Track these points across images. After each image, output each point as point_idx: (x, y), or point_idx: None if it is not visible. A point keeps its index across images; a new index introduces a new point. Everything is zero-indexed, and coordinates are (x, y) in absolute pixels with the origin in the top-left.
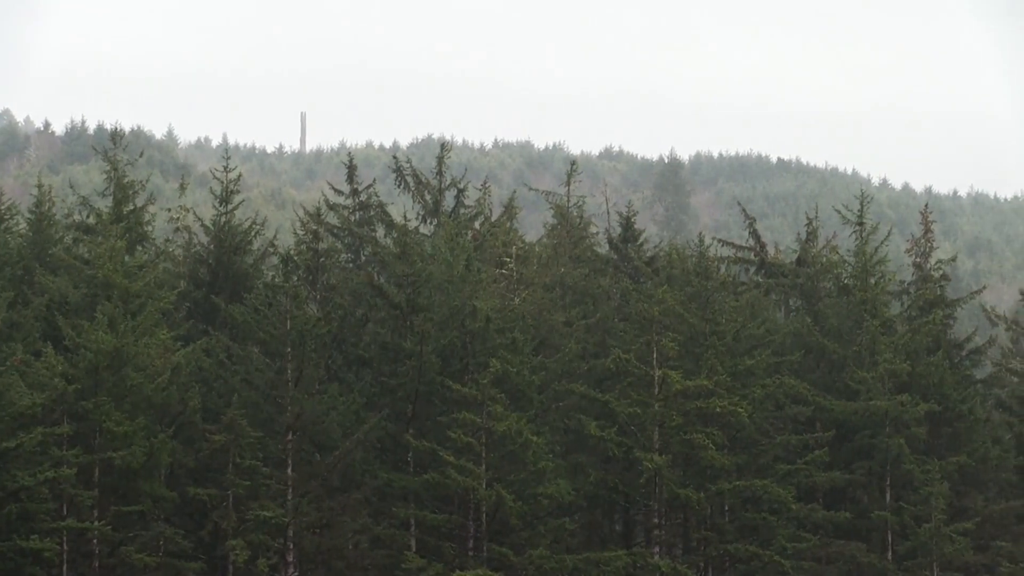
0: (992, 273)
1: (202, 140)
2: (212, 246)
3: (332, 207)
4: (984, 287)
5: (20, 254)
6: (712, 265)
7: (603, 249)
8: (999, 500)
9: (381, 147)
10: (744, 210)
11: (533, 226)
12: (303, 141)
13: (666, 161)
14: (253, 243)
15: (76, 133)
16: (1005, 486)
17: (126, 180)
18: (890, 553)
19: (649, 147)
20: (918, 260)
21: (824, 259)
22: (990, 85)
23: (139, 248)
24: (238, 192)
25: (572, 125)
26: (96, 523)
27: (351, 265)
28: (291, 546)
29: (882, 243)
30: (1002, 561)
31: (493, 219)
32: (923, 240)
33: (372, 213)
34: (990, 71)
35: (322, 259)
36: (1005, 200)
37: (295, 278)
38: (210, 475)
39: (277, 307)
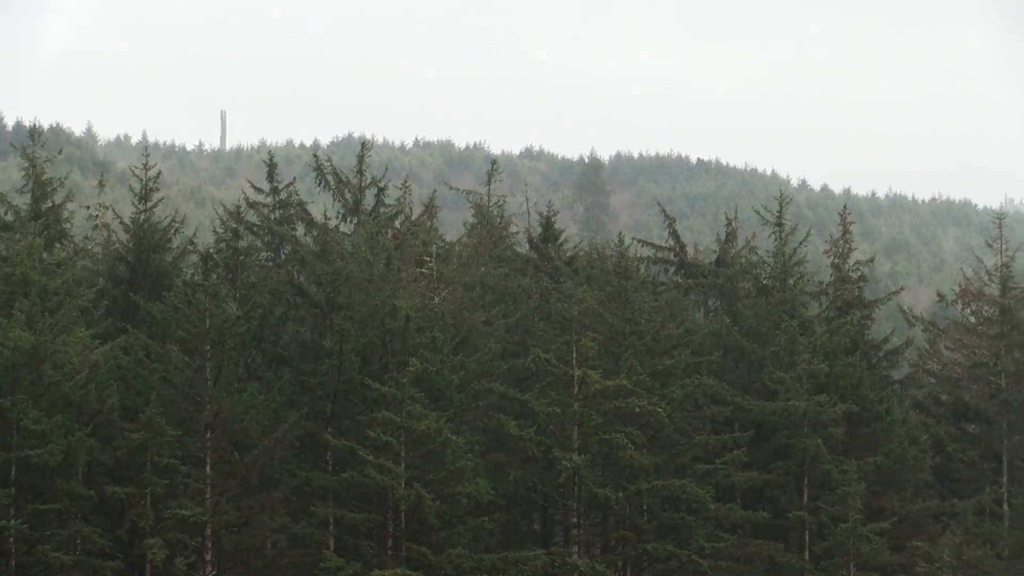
0: (910, 274)
1: (121, 137)
2: (131, 244)
3: (252, 205)
4: (902, 288)
5: None
6: (632, 265)
7: (523, 249)
8: (915, 500)
9: (301, 145)
10: (664, 210)
11: (453, 225)
12: (223, 139)
13: (586, 161)
14: (172, 241)
15: None
16: (921, 486)
17: (44, 177)
18: (807, 553)
19: (569, 147)
20: (836, 261)
21: (743, 260)
22: (910, 86)
23: (57, 245)
24: (157, 190)
25: (493, 125)
26: (13, 522)
27: (271, 263)
28: (209, 545)
29: (801, 244)
30: (918, 561)
31: (413, 218)
32: (841, 241)
33: (292, 211)
34: (909, 72)
35: (242, 257)
36: (923, 202)
37: (215, 276)
38: (128, 473)
39: (196, 305)
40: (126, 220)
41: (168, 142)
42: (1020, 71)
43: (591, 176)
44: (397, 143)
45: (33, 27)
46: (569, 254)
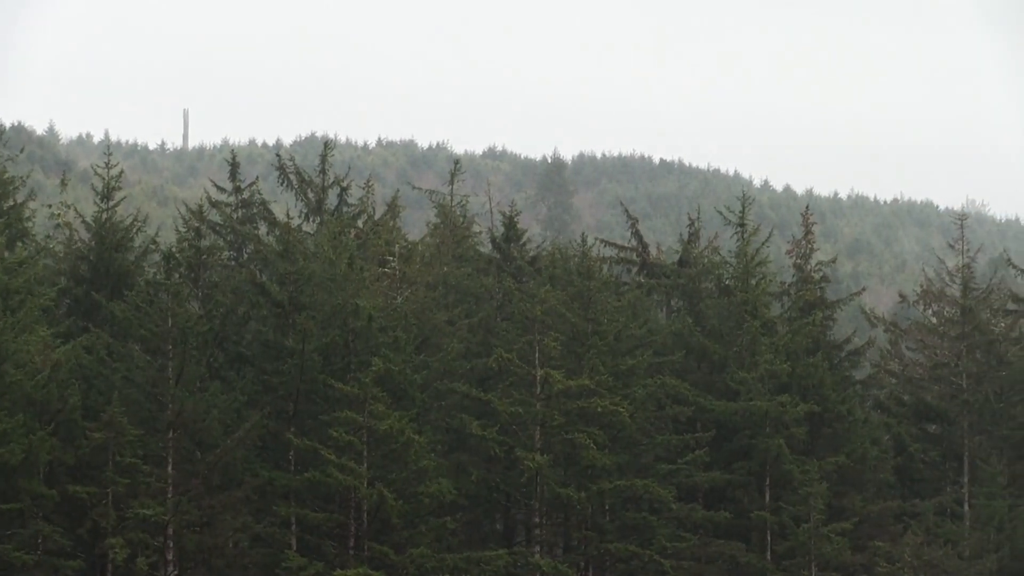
0: (871, 275)
1: (84, 136)
2: (93, 243)
3: (214, 204)
4: (863, 289)
5: None
6: (594, 265)
7: (486, 248)
8: (877, 500)
9: (264, 145)
10: (627, 210)
11: (416, 225)
12: (186, 138)
13: (549, 161)
14: (135, 240)
15: None
16: (883, 486)
17: (6, 175)
18: (769, 553)
19: (532, 147)
20: (799, 261)
21: (706, 260)
22: (872, 86)
23: (19, 244)
24: (120, 189)
25: (456, 124)
26: None
27: (233, 263)
28: (171, 544)
29: (763, 244)
30: (879, 561)
31: (376, 217)
32: (804, 242)
33: (255, 211)
34: (872, 73)
35: (204, 256)
36: (885, 203)
37: (177, 275)
38: (90, 473)
39: (158, 304)
40: (88, 219)
41: (130, 141)
42: (979, 71)
43: (554, 176)
44: (360, 143)
45: None
46: (532, 254)
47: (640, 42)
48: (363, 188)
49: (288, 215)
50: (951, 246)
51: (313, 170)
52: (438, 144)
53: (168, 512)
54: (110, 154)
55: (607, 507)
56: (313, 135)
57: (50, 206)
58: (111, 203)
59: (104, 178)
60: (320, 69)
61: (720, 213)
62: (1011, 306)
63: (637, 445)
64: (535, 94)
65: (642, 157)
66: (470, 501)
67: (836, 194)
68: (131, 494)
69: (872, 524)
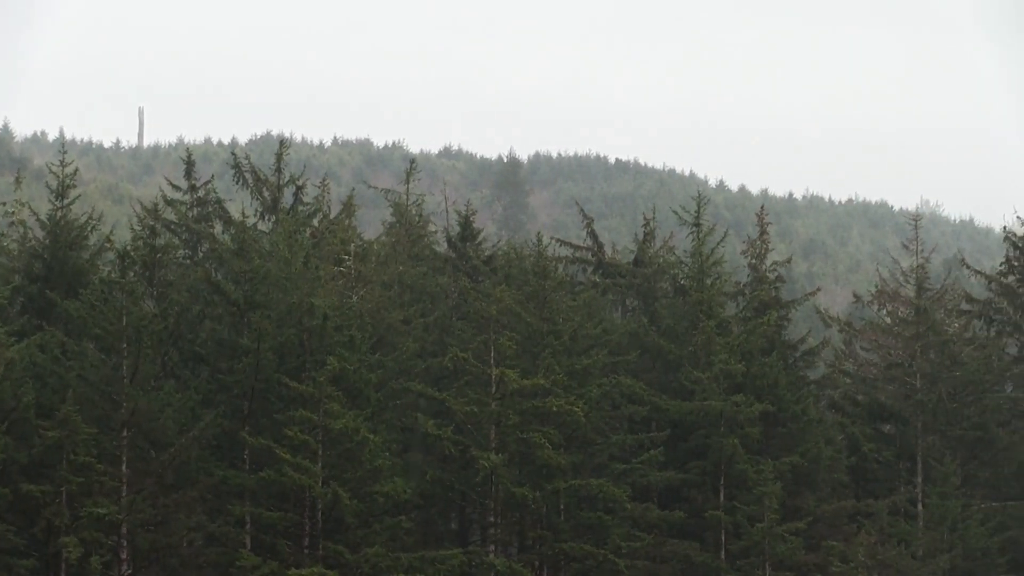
0: (826, 275)
1: (38, 134)
2: (48, 241)
3: (170, 203)
4: (818, 289)
5: None
6: (550, 264)
7: (441, 248)
8: (831, 500)
9: (220, 143)
10: (582, 210)
11: (372, 224)
12: (141, 136)
13: (505, 161)
14: (89, 238)
15: None
16: (837, 486)
17: None
18: (723, 552)
19: (488, 146)
20: (754, 261)
21: (661, 260)
22: (826, 87)
23: None
24: (75, 187)
25: (412, 124)
26: None
27: (188, 261)
28: (125, 543)
29: (718, 244)
30: (833, 560)
31: (332, 216)
32: (759, 242)
33: (210, 209)
34: (825, 74)
35: (159, 255)
36: (839, 203)
37: (132, 274)
38: (43, 471)
39: (113, 303)
40: (42, 217)
41: (85, 139)
42: (934, 70)
43: (510, 176)
44: (315, 141)
45: None
46: (487, 253)
47: (596, 41)
48: (319, 187)
49: (243, 214)
50: (905, 246)
51: (269, 169)
52: (394, 143)
53: (122, 511)
54: (65, 152)
55: (562, 506)
56: (269, 134)
57: (4, 204)
58: (66, 201)
59: (59, 176)
60: (276, 67)
61: (675, 213)
62: (965, 306)
63: (592, 445)
64: (491, 93)
65: (598, 157)
66: (425, 500)
67: (791, 194)
68: (85, 493)
69: (826, 524)
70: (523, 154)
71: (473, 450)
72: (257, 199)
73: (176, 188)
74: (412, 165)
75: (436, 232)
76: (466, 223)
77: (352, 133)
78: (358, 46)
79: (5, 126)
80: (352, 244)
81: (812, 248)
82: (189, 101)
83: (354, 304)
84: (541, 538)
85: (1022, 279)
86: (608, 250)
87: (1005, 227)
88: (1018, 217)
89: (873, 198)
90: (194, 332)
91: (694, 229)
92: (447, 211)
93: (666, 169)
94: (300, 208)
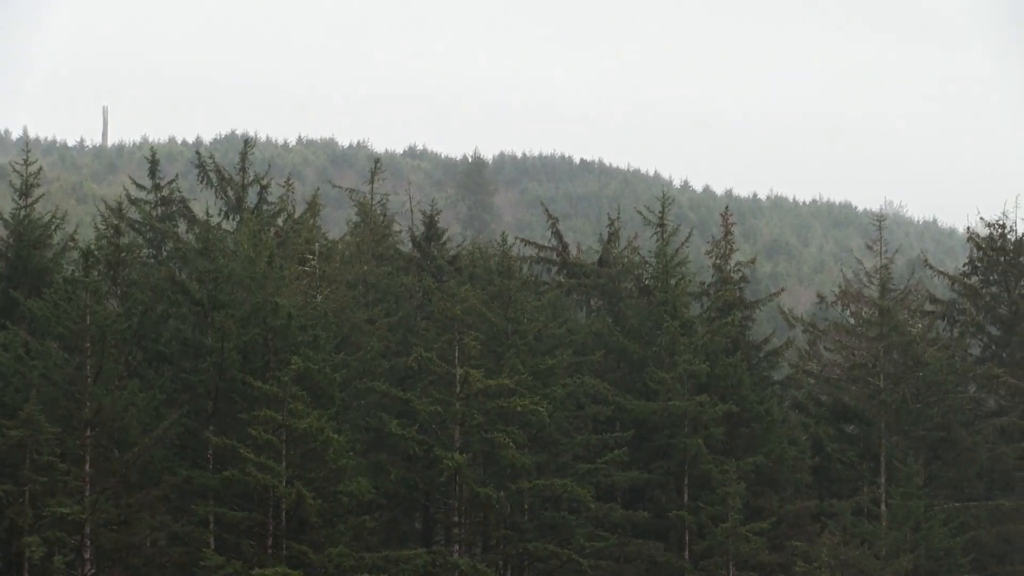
0: (790, 276)
1: (2, 133)
2: (11, 240)
3: (134, 202)
4: (782, 289)
5: None
6: (514, 264)
7: (406, 247)
8: (794, 500)
9: (184, 142)
10: (547, 210)
11: (336, 223)
12: (105, 135)
13: (470, 160)
14: (53, 237)
15: None
16: (800, 486)
17: None
18: (687, 552)
19: (453, 146)
20: (718, 262)
21: (625, 260)
22: (789, 88)
23: None
24: (38, 186)
25: (377, 123)
26: None
27: (152, 260)
28: (88, 543)
29: (683, 245)
30: (797, 560)
31: (296, 216)
32: (723, 242)
33: (174, 208)
34: (790, 74)
35: (123, 254)
36: (804, 203)
37: (95, 273)
38: (6, 471)
39: (77, 302)
40: (6, 216)
41: (49, 138)
42: (898, 72)
43: (474, 175)
44: (280, 141)
45: None
46: (452, 253)
47: (561, 42)
48: (283, 186)
49: (208, 213)
50: (869, 247)
51: (233, 168)
52: (358, 143)
53: (85, 510)
54: (28, 151)
55: (526, 506)
56: (233, 133)
57: None
58: (29, 200)
59: (22, 175)
60: (240, 67)
61: (640, 213)
62: (928, 307)
63: (556, 444)
64: (456, 93)
65: (563, 157)
66: (389, 500)
67: (755, 195)
68: (48, 492)
69: (790, 524)
70: (488, 154)
71: (437, 450)
72: (221, 198)
73: (140, 187)
74: (377, 165)
75: (401, 232)
76: (431, 223)
77: (317, 133)
78: (323, 46)
79: None
80: (317, 243)
81: (776, 248)
82: (153, 100)
83: (318, 304)
84: (505, 538)
85: (985, 280)
86: (573, 250)
87: (968, 228)
88: (981, 218)
89: (837, 199)
90: (158, 331)
91: (658, 229)
92: (412, 211)
93: (631, 169)
94: (265, 207)
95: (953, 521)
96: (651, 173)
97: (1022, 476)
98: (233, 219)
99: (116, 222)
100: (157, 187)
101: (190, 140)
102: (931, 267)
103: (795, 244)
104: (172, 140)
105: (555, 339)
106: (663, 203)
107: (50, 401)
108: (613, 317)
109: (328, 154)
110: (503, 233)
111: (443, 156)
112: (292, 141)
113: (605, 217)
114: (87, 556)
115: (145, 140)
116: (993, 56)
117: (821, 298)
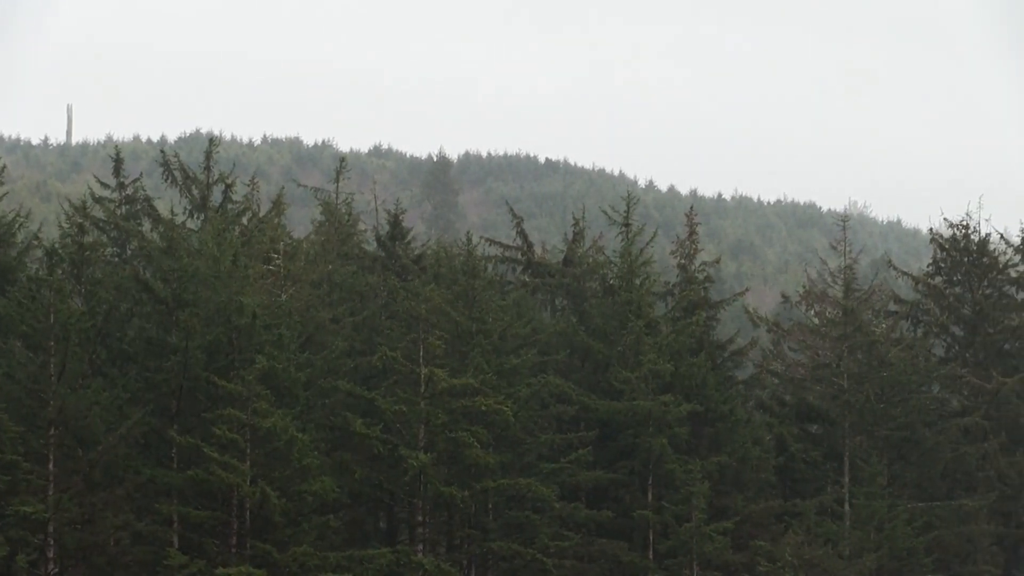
0: (755, 275)
1: None
2: None
3: (98, 200)
4: (747, 289)
5: None
6: (479, 264)
7: (371, 246)
8: (758, 500)
9: (148, 141)
10: (512, 209)
11: (301, 222)
12: (69, 133)
13: (435, 160)
14: (17, 236)
15: None
16: (764, 486)
17: None
18: (651, 552)
19: (418, 145)
20: (683, 262)
21: (590, 259)
22: (754, 89)
23: None
24: (2, 184)
25: (342, 122)
26: None
27: (117, 259)
28: (51, 542)
29: (648, 244)
30: (760, 560)
31: (261, 215)
32: (688, 242)
33: (139, 207)
34: (756, 75)
35: (87, 253)
36: (768, 203)
37: (59, 271)
38: None
39: (41, 301)
40: None
41: (13, 136)
42: (863, 73)
43: (439, 175)
44: (245, 139)
45: None
46: (417, 252)
47: (527, 40)
48: (248, 185)
49: (172, 212)
50: (833, 247)
51: (198, 167)
52: (324, 142)
53: (49, 510)
54: None
55: (490, 506)
56: (198, 131)
57: None
58: None
59: None
60: (205, 65)
61: (605, 213)
62: (892, 307)
63: (521, 444)
64: (421, 92)
65: (528, 156)
66: (353, 499)
67: (720, 195)
68: (11, 491)
69: (753, 523)
70: (453, 153)
71: (402, 449)
72: (186, 197)
73: (105, 186)
74: (342, 164)
75: (366, 231)
76: (395, 222)
77: (282, 131)
78: (288, 44)
79: None
80: (281, 242)
81: (741, 248)
82: (118, 99)
83: (283, 303)
84: (469, 537)
85: (949, 280)
86: (538, 250)
87: (932, 229)
88: (945, 219)
89: (801, 199)
90: (122, 330)
91: (623, 229)
92: (376, 210)
93: (596, 169)
94: (229, 206)
95: (916, 521)
96: (616, 173)
97: (985, 476)
98: (198, 218)
99: (80, 220)
100: (121, 185)
101: (155, 139)
102: (895, 267)
103: (759, 244)
104: (137, 138)
105: (520, 339)
106: (628, 203)
107: (13, 400)
108: (578, 317)
109: (293, 153)
110: (468, 232)
111: (408, 155)
112: (257, 140)
113: (570, 217)
114: (50, 555)
115: (110, 138)
116: (960, 59)
117: (785, 298)
